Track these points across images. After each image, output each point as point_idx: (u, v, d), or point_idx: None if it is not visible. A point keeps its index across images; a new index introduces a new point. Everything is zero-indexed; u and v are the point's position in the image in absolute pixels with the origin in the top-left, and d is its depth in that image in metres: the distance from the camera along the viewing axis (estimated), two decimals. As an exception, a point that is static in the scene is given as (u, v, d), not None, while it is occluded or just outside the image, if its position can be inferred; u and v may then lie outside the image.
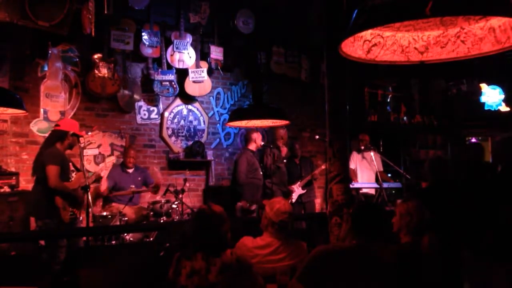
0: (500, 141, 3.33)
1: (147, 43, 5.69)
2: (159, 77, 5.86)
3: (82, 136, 4.31)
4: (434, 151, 8.62)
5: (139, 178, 5.50)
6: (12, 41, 5.07)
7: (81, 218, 4.48)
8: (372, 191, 6.06)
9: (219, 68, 6.38)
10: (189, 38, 6.00)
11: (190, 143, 6.34)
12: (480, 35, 2.07)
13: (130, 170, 5.45)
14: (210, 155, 6.46)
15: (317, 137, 5.41)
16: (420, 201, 2.64)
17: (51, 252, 3.98)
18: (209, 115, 6.65)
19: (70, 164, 4.39)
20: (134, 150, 5.61)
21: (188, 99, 6.38)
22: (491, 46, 2.06)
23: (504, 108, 8.55)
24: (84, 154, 4.75)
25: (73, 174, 4.34)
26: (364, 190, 6.11)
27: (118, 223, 4.62)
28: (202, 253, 2.21)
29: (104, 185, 5.23)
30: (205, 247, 2.24)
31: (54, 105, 5.37)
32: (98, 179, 4.97)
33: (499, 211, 2.98)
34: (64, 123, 4.34)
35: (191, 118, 6.47)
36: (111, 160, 5.71)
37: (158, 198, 5.37)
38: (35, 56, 5.26)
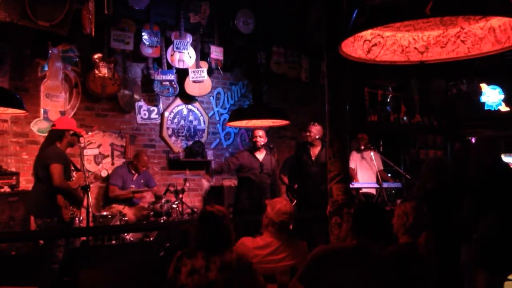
0: (480, 142, 3.35)
1: (147, 43, 5.69)
2: (159, 77, 5.86)
3: (82, 136, 4.30)
4: (434, 151, 8.63)
5: (142, 181, 5.50)
6: (12, 41, 5.07)
7: (81, 218, 4.48)
8: (373, 191, 6.06)
9: (219, 68, 6.38)
10: (189, 38, 6.00)
11: (190, 143, 6.34)
12: (480, 35, 2.07)
13: (136, 174, 5.46)
14: (210, 155, 6.46)
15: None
16: (419, 201, 2.65)
17: (49, 251, 3.98)
18: (209, 115, 6.65)
19: (70, 163, 4.38)
20: (147, 156, 5.62)
21: (188, 99, 6.38)
22: (491, 46, 2.06)
23: (504, 108, 8.55)
24: (84, 154, 4.74)
25: (74, 174, 4.34)
26: (364, 190, 6.10)
27: (118, 223, 4.62)
28: (202, 252, 2.23)
29: (115, 190, 5.27)
30: (207, 246, 2.25)
31: (54, 105, 5.37)
32: (98, 178, 4.97)
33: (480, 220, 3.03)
34: (60, 122, 4.32)
35: (191, 118, 6.47)
36: (108, 161, 5.70)
37: (158, 198, 5.37)
38: (35, 56, 5.25)
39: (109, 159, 5.75)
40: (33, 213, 4.25)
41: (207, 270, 2.18)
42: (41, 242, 4.25)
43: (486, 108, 8.59)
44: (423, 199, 2.96)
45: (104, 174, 5.63)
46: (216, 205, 2.44)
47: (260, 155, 5.29)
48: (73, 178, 4.27)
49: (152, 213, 5.03)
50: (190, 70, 6.07)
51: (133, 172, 5.44)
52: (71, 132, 4.22)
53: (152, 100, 6.13)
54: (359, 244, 2.24)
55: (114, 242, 4.49)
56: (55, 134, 4.21)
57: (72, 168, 4.38)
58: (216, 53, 6.29)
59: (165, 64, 5.90)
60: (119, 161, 5.77)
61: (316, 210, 5.07)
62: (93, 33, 5.01)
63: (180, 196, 5.15)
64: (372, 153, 6.03)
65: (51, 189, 3.99)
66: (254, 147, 5.27)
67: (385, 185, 5.68)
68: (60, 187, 3.99)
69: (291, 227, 2.79)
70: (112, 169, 5.66)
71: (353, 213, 2.36)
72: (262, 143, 5.27)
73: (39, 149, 4.26)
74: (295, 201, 5.58)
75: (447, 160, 3.38)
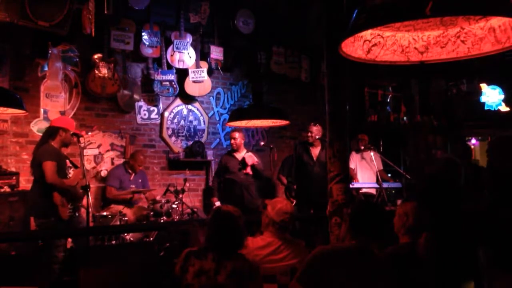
0: (495, 142, 3.27)
1: (147, 43, 5.69)
2: (159, 77, 5.86)
3: (82, 136, 4.29)
4: (434, 151, 8.61)
5: (140, 180, 5.50)
6: (12, 41, 5.07)
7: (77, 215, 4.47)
8: (373, 191, 6.06)
9: (219, 68, 6.39)
10: (189, 38, 6.00)
11: (190, 143, 6.34)
12: (480, 35, 2.07)
13: (133, 173, 5.46)
14: (210, 155, 6.46)
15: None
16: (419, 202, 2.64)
17: (48, 252, 3.97)
18: (209, 115, 6.65)
19: (67, 161, 4.36)
20: (143, 156, 5.63)
21: (188, 99, 6.38)
22: (491, 46, 2.06)
23: (504, 108, 8.54)
24: (84, 154, 4.74)
25: (71, 171, 4.33)
26: (364, 190, 6.11)
27: (118, 223, 4.62)
28: (213, 253, 2.21)
29: (113, 190, 5.27)
30: (218, 247, 2.23)
31: (54, 105, 5.37)
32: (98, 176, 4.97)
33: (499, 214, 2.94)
34: (55, 120, 4.34)
35: (191, 118, 6.47)
36: (109, 156, 5.70)
37: (158, 198, 5.37)
38: (35, 56, 5.25)
39: (110, 153, 5.75)
40: (31, 214, 4.25)
41: (216, 273, 2.15)
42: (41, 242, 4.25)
43: (486, 108, 8.58)
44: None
45: (104, 174, 5.63)
46: (229, 206, 2.43)
47: (239, 155, 5.51)
48: (70, 175, 4.25)
49: (152, 213, 5.02)
50: (190, 70, 6.07)
51: (130, 172, 5.44)
52: (71, 132, 4.21)
53: (152, 100, 6.12)
54: (357, 244, 2.24)
55: (114, 242, 4.49)
56: (48, 132, 4.22)
57: (70, 165, 4.36)
58: (216, 53, 6.29)
59: (165, 64, 5.90)
60: (119, 161, 5.76)
61: (318, 210, 5.12)
62: (93, 33, 5.01)
63: (180, 196, 5.15)
64: (372, 153, 6.03)
65: (46, 187, 3.98)
66: (232, 149, 5.56)
67: (385, 185, 5.68)
68: (53, 184, 3.97)
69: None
70: (110, 169, 5.66)
71: (350, 213, 2.36)
72: (238, 144, 5.49)
73: (34, 148, 4.26)
74: (295, 201, 5.58)
75: (457, 160, 3.34)
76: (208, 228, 2.32)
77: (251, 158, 5.39)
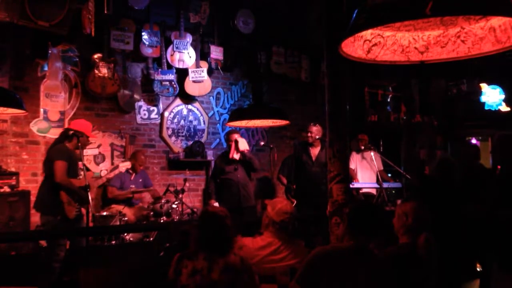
0: (499, 139, 3.25)
1: (147, 43, 5.69)
2: (159, 77, 5.86)
3: (81, 136, 4.33)
4: (434, 151, 8.59)
5: (140, 180, 5.50)
6: (12, 41, 5.07)
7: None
8: (373, 191, 6.05)
9: (219, 68, 6.38)
10: (189, 38, 6.00)
11: (190, 143, 6.34)
12: (481, 35, 2.07)
13: (134, 173, 5.46)
14: (210, 155, 6.46)
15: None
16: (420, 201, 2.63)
17: (51, 251, 4.00)
18: (209, 115, 6.65)
19: (80, 163, 4.41)
20: (144, 156, 5.63)
21: (188, 99, 6.38)
22: (492, 46, 2.06)
23: (504, 108, 8.53)
24: (84, 154, 4.75)
25: (82, 173, 4.37)
26: (364, 190, 6.10)
27: (118, 223, 4.62)
28: (204, 253, 2.22)
29: (114, 191, 5.29)
30: (208, 247, 2.25)
31: (54, 105, 5.37)
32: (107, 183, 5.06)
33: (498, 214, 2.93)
34: (74, 123, 4.47)
35: (191, 118, 6.47)
36: (125, 166, 5.68)
37: (158, 198, 5.37)
38: (35, 56, 5.25)
39: (127, 163, 5.72)
40: (38, 210, 4.31)
41: (209, 271, 2.18)
42: (42, 242, 4.27)
43: (486, 108, 8.57)
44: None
45: (103, 174, 5.63)
46: (217, 207, 2.46)
47: (236, 155, 5.47)
48: (80, 177, 4.31)
49: (152, 213, 5.02)
50: (190, 70, 6.07)
51: (131, 172, 5.44)
52: (76, 133, 4.28)
53: (152, 100, 6.12)
54: (356, 244, 2.24)
55: (114, 242, 4.49)
56: (65, 134, 4.36)
57: (82, 167, 4.43)
58: (216, 53, 6.29)
59: (165, 64, 5.90)
60: (118, 161, 5.75)
61: (316, 210, 5.12)
62: (93, 33, 5.01)
63: (180, 196, 5.15)
64: (372, 153, 6.03)
65: (54, 185, 4.07)
66: (229, 149, 5.48)
67: (385, 185, 5.68)
68: (61, 183, 4.07)
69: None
70: (111, 168, 5.65)
71: (347, 213, 2.36)
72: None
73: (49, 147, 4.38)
74: (295, 201, 5.58)
75: (453, 160, 3.33)
76: (197, 230, 2.34)
77: (243, 144, 5.35)
